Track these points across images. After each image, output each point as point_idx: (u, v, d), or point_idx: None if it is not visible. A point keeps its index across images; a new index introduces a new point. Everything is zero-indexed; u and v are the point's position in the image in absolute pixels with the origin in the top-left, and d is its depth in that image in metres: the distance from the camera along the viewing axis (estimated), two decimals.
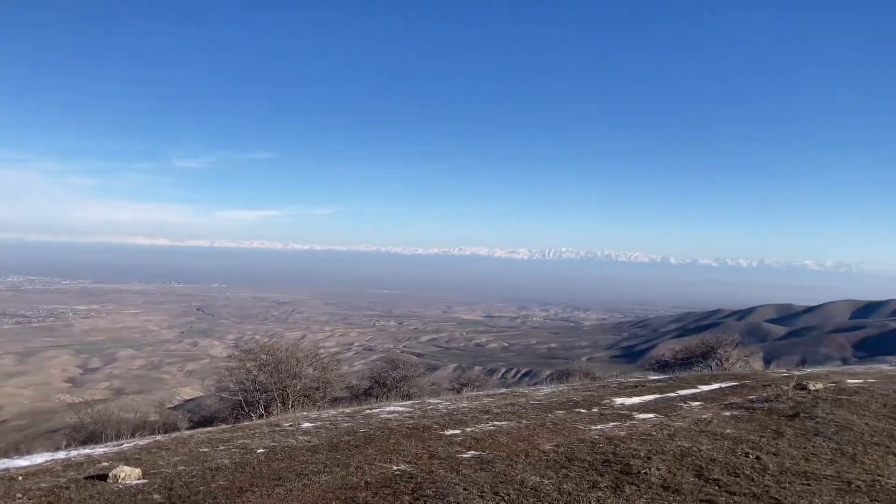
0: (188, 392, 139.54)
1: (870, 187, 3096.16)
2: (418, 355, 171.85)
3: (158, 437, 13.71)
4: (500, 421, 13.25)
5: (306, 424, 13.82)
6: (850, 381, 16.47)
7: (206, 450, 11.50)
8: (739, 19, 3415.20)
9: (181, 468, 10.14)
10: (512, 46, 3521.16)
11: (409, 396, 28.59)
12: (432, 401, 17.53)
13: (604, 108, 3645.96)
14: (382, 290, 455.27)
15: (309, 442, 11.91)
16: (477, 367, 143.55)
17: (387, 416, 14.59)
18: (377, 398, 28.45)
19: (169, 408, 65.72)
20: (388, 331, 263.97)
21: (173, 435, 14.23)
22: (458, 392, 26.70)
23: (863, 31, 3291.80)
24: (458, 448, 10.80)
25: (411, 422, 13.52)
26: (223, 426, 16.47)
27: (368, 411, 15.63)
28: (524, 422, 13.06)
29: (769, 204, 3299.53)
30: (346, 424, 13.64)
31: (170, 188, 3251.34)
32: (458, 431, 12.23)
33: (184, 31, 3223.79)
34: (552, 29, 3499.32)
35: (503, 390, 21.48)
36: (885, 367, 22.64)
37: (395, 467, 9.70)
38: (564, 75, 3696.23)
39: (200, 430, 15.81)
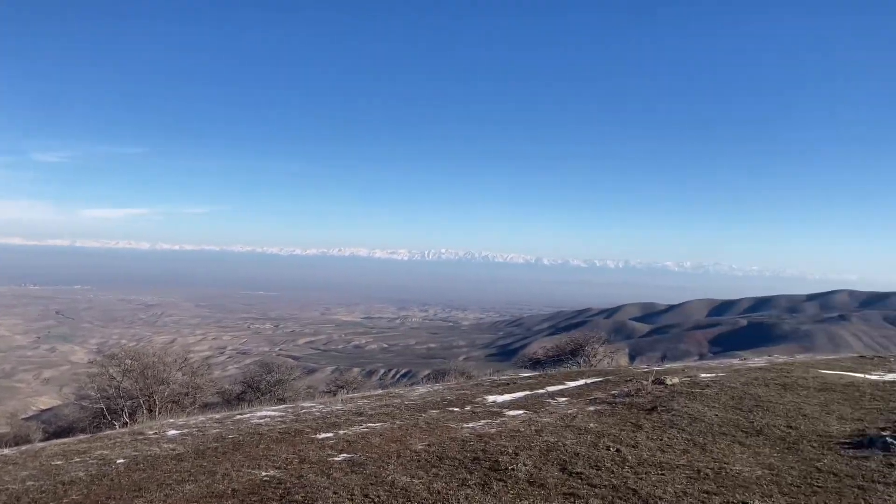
0: (45, 401, 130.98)
1: (722, 193, 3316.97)
2: (295, 358, 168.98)
3: (5, 451, 12.74)
4: (373, 422, 13.22)
5: (172, 432, 13.27)
6: (703, 375, 17.57)
7: (59, 462, 10.81)
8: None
9: (30, 483, 9.48)
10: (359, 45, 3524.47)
11: (283, 400, 28.04)
12: (306, 404, 17.25)
13: (478, 110, 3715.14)
14: (258, 291, 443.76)
15: (174, 450, 11.44)
16: (356, 369, 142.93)
17: (258, 421, 14.24)
18: (250, 403, 27.72)
19: (22, 419, 61.33)
20: (263, 334, 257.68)
21: (23, 448, 13.27)
22: (334, 395, 26.44)
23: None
24: (330, 451, 10.69)
25: (283, 426, 13.26)
26: (81, 437, 15.52)
27: (239, 417, 15.20)
28: (398, 422, 13.09)
29: (635, 208, 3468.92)
30: (214, 431, 13.20)
31: (27, 183, 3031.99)
32: (330, 434, 12.10)
33: (44, 17, 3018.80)
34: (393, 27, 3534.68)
35: (379, 392, 21.45)
36: (735, 361, 24.31)
37: (263, 473, 9.48)
38: (442, 74, 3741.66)
39: (55, 441, 14.84)
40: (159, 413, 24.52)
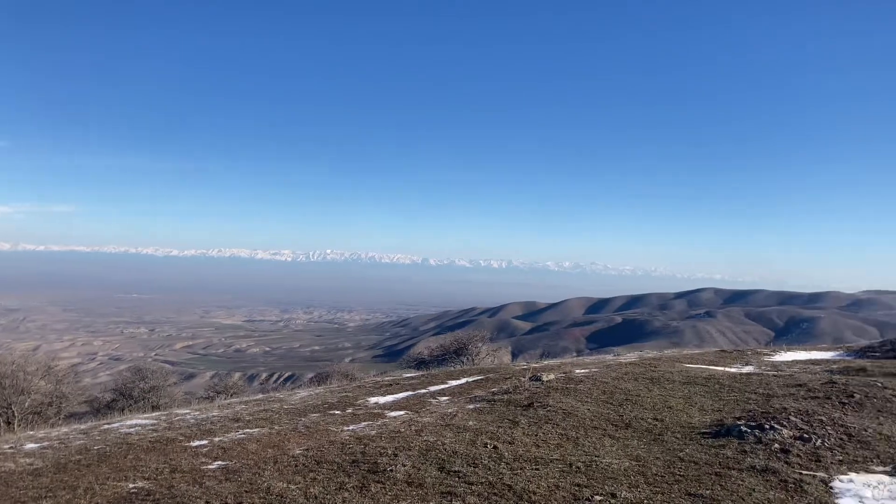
0: None
1: (598, 195, 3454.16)
2: (172, 363, 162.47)
3: None
4: (251, 428, 12.90)
5: (30, 445, 12.43)
6: (578, 371, 18.20)
7: None
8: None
9: None
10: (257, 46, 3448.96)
11: (157, 408, 26.92)
12: (181, 411, 16.61)
13: (360, 110, 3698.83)
14: (132, 294, 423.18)
15: (31, 465, 10.72)
16: (237, 374, 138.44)
17: (128, 430, 13.58)
18: (122, 411, 26.46)
19: None
20: (138, 338, 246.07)
21: None
22: (212, 401, 25.61)
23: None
24: (204, 459, 10.34)
25: (154, 435, 12.71)
26: None
27: (107, 426, 14.43)
28: (276, 427, 12.83)
29: (517, 209, 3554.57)
30: (78, 442, 12.47)
31: None
32: (205, 442, 11.71)
33: None
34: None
35: (259, 396, 20.95)
36: (608, 357, 25.36)
37: (131, 485, 9.05)
38: (327, 73, 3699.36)
39: None
40: (19, 426, 22.97)
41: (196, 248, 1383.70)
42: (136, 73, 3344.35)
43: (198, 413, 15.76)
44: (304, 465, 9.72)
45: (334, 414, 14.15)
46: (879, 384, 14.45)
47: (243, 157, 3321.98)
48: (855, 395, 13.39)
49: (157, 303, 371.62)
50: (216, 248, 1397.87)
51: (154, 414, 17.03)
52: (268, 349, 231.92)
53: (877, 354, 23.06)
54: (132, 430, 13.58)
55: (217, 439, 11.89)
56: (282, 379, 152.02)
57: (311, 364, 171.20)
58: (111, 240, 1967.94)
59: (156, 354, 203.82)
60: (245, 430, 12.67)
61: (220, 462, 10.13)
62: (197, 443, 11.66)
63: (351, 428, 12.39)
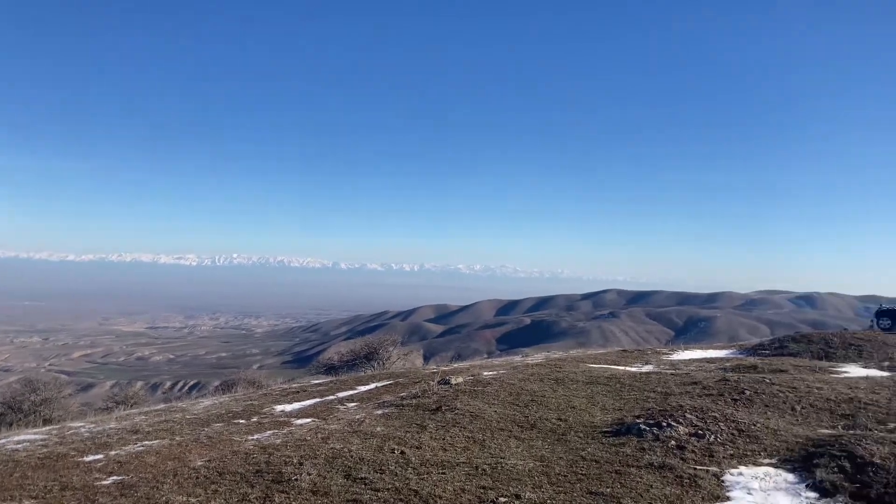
0: None
1: (503, 200, 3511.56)
2: (68, 374, 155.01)
3: None
4: (150, 440, 12.42)
5: None
6: (486, 373, 18.41)
7: None
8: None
9: None
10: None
11: (50, 421, 25.58)
12: (75, 424, 15.81)
13: (259, 110, 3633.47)
14: (23, 301, 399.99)
15: None
16: (139, 383, 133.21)
17: (14, 446, 12.82)
18: (11, 426, 25.01)
19: None
20: (30, 348, 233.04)
21: None
22: (110, 412, 24.54)
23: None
24: (98, 475, 9.89)
25: (45, 450, 12.05)
26: None
27: None
28: (178, 439, 12.41)
29: (429, 214, 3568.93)
30: None
31: None
32: (100, 456, 11.20)
33: None
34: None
35: (161, 406, 20.21)
36: (516, 358, 25.78)
37: None
38: (220, 76, 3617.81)
39: None
40: None
41: (95, 253, 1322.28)
42: (24, 71, 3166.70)
43: (93, 426, 15.05)
44: (205, 477, 9.45)
45: (239, 423, 13.81)
46: (768, 380, 15.27)
47: (142, 157, 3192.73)
48: (746, 391, 14.11)
49: (52, 310, 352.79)
50: (116, 253, 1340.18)
51: (45, 428, 16.16)
52: (172, 357, 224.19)
53: (766, 352, 24.40)
54: (20, 446, 12.84)
55: (113, 453, 11.40)
56: (187, 388, 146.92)
57: (217, 372, 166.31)
58: None
59: (50, 364, 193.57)
60: (144, 443, 12.19)
61: (115, 477, 9.72)
62: (91, 457, 11.14)
63: (256, 437, 12.12)
